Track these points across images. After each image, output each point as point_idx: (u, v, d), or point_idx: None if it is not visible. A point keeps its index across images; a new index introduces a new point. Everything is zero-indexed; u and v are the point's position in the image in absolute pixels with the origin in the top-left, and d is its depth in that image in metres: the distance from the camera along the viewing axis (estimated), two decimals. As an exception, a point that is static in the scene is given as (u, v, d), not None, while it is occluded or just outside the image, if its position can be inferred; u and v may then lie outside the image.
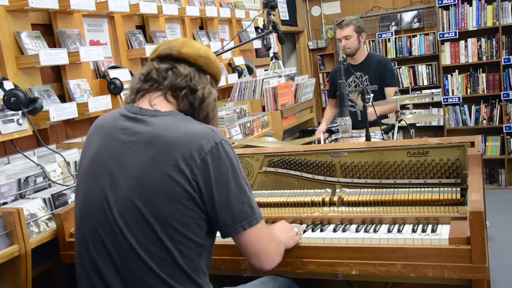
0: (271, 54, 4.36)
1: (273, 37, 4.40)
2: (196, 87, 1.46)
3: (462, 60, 5.58)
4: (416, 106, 5.96)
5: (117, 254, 1.35)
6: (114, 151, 1.40)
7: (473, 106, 5.65)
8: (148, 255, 1.32)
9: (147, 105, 1.46)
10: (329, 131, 3.89)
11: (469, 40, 5.51)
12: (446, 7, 5.56)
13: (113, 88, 2.57)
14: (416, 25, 5.95)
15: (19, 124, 2.07)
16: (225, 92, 4.01)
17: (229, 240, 1.46)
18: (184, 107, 1.46)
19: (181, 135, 1.35)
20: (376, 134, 2.88)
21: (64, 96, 2.48)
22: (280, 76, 3.84)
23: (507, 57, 5.31)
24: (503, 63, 5.33)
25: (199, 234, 1.36)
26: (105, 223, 1.36)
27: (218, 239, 1.50)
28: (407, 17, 5.99)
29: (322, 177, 2.07)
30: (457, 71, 5.65)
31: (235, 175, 1.37)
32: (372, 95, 2.69)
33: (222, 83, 3.63)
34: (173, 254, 1.32)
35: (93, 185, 1.40)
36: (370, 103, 2.67)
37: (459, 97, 5.61)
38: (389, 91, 3.83)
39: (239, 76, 3.91)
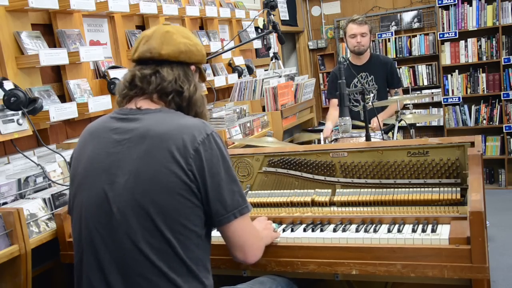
0: (271, 54, 4.35)
1: (273, 37, 4.40)
2: (182, 89, 1.48)
3: (462, 60, 5.58)
4: (416, 106, 5.96)
5: (118, 251, 1.36)
6: (109, 151, 1.42)
7: (473, 106, 5.64)
8: (148, 247, 1.33)
9: (135, 108, 1.49)
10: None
11: (469, 40, 5.51)
12: (446, 7, 5.55)
13: (113, 88, 2.57)
14: (416, 25, 5.95)
15: (19, 124, 2.07)
16: (225, 92, 4.00)
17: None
18: (172, 108, 1.49)
19: (173, 128, 1.39)
20: (376, 134, 2.88)
21: (64, 96, 2.48)
22: (280, 76, 3.83)
23: (507, 57, 5.31)
24: (503, 63, 5.32)
25: (198, 223, 1.38)
26: (105, 221, 1.38)
27: (219, 239, 1.50)
28: (407, 17, 5.98)
29: (322, 177, 2.07)
30: (457, 71, 5.64)
31: (225, 165, 1.41)
32: (372, 94, 2.69)
33: (222, 83, 3.63)
34: (173, 245, 1.34)
35: (93, 187, 1.41)
36: (370, 103, 2.68)
37: (459, 97, 5.61)
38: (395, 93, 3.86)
39: (239, 76, 3.91)
